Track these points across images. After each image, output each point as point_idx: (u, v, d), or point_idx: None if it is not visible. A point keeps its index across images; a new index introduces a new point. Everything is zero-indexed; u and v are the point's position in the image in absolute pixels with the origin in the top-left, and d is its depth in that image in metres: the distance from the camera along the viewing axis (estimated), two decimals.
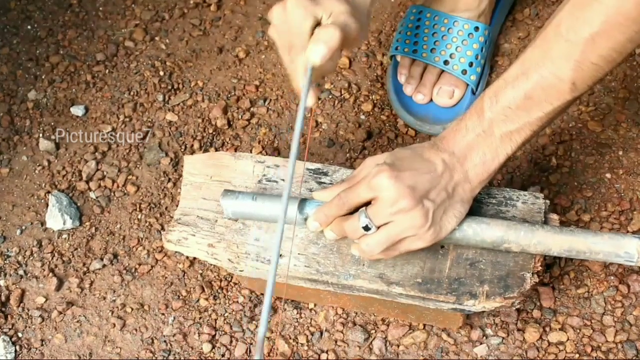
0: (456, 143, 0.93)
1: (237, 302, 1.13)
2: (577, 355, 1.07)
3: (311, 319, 1.12)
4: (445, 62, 1.24)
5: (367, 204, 0.92)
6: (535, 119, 0.90)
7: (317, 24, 0.89)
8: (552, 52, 0.86)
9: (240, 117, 1.29)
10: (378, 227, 0.91)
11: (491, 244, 0.95)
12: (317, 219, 0.95)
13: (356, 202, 0.92)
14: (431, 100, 1.25)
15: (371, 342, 1.10)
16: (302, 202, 0.98)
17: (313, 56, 0.87)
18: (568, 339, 1.08)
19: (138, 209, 1.22)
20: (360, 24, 0.91)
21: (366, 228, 0.91)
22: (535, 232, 0.94)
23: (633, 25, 0.81)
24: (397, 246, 0.93)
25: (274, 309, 1.13)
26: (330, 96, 1.30)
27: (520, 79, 0.88)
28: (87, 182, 1.24)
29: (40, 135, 1.28)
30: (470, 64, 1.24)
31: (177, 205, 1.19)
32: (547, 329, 1.09)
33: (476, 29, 1.25)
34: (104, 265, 1.17)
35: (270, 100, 1.30)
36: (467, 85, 1.24)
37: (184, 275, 1.16)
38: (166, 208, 1.21)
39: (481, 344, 1.09)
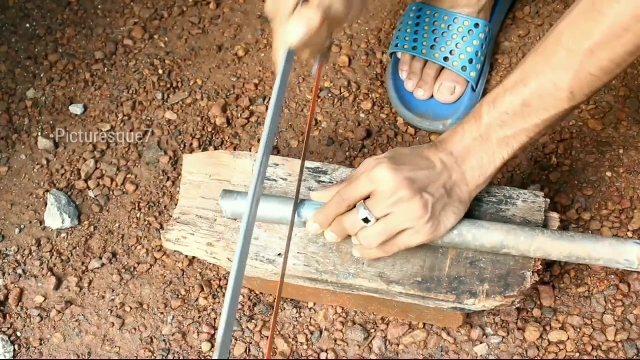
0: (455, 145, 0.94)
1: None
2: (577, 355, 1.07)
3: (311, 318, 1.12)
4: (445, 59, 1.24)
5: (367, 200, 0.92)
6: (532, 125, 0.90)
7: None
8: (552, 61, 0.87)
9: (239, 115, 1.28)
10: (377, 220, 0.91)
11: (491, 249, 0.95)
12: (317, 220, 0.95)
13: (356, 196, 0.92)
14: (432, 96, 1.25)
15: (371, 342, 1.10)
16: (301, 203, 0.97)
17: (291, 37, 0.86)
18: (568, 338, 1.08)
19: (137, 208, 1.21)
20: (348, 5, 0.89)
21: (366, 220, 0.91)
22: (535, 238, 0.94)
23: (633, 38, 0.82)
24: (396, 241, 0.93)
25: (272, 308, 1.12)
26: (329, 95, 1.29)
27: (519, 86, 0.89)
28: (86, 181, 1.23)
29: (39, 134, 1.28)
30: (471, 61, 1.24)
31: (176, 204, 1.19)
32: (548, 328, 1.09)
33: (476, 25, 1.24)
34: (102, 265, 1.17)
35: (270, 98, 1.30)
36: (468, 82, 1.24)
37: (183, 275, 1.16)
38: (165, 207, 1.21)
39: (481, 343, 1.08)
